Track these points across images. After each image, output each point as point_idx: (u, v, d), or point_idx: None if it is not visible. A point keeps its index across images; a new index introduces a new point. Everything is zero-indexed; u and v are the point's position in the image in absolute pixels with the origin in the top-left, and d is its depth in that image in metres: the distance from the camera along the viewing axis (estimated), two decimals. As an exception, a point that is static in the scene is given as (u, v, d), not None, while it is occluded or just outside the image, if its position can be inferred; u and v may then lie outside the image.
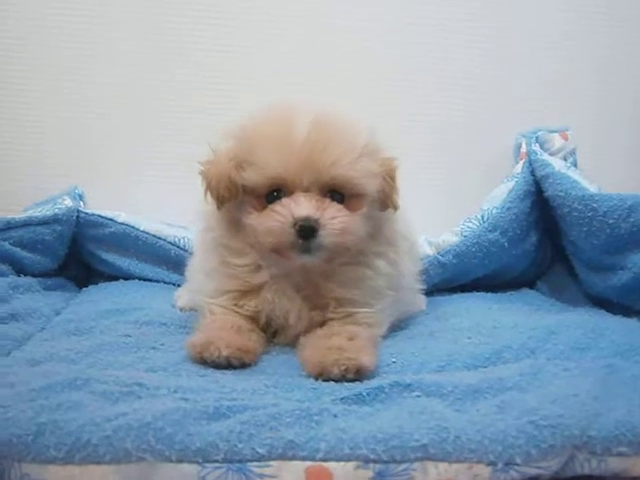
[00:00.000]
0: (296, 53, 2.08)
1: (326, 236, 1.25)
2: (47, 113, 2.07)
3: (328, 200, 1.28)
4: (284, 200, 1.27)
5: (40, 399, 0.99)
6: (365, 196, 1.31)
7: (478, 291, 1.85)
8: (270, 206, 1.27)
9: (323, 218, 1.24)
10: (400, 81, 2.10)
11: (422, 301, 1.66)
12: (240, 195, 1.31)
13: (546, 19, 2.10)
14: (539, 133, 1.96)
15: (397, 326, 1.47)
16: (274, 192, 1.28)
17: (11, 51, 2.04)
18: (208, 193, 1.34)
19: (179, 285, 1.79)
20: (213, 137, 1.35)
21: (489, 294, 1.83)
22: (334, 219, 1.25)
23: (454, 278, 1.86)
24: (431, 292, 1.73)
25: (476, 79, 2.10)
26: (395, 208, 1.38)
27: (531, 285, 1.96)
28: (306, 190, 1.27)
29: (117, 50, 2.06)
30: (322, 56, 2.08)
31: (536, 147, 1.91)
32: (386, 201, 1.36)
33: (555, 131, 1.97)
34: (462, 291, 1.86)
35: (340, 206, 1.28)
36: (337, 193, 1.29)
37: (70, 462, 0.89)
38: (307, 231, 1.24)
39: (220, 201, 1.33)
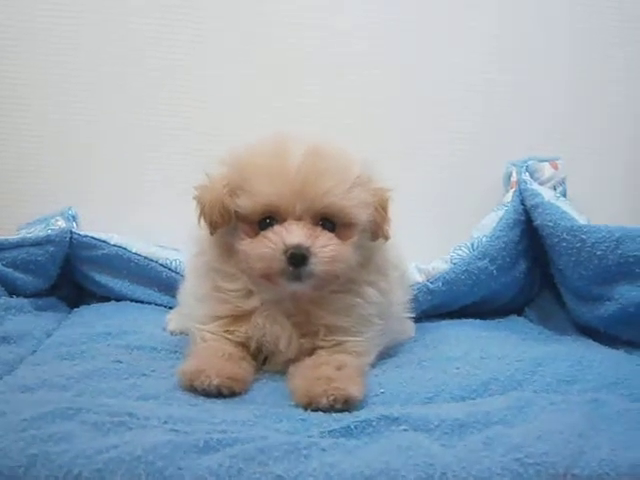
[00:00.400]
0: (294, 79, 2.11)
1: (316, 264, 1.26)
2: (43, 134, 2.08)
3: (319, 229, 1.30)
4: (276, 227, 1.29)
5: (31, 429, 1.00)
6: (356, 225, 1.33)
7: (466, 317, 1.87)
8: (262, 233, 1.29)
9: (314, 246, 1.26)
10: (392, 109, 2.11)
11: (411, 328, 1.67)
12: (233, 221, 1.33)
13: (535, 46, 2.13)
14: (529, 162, 1.98)
15: (386, 353, 1.48)
16: (267, 219, 1.30)
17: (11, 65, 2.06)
18: (202, 218, 1.36)
19: (170, 307, 1.80)
20: (208, 163, 1.37)
21: (477, 321, 1.84)
22: (325, 247, 1.27)
23: (443, 305, 1.88)
24: (419, 318, 1.73)
25: (466, 108, 2.12)
26: (386, 238, 1.40)
27: (519, 312, 1.97)
28: (298, 218, 1.29)
29: (112, 71, 2.08)
30: (313, 80, 2.11)
31: (526, 176, 1.93)
32: (377, 231, 1.38)
33: (545, 160, 2.00)
34: (450, 317, 1.87)
35: (331, 235, 1.30)
36: (329, 222, 1.31)
37: (61, 495, 0.90)
38: (298, 258, 1.26)
39: (213, 226, 1.34)
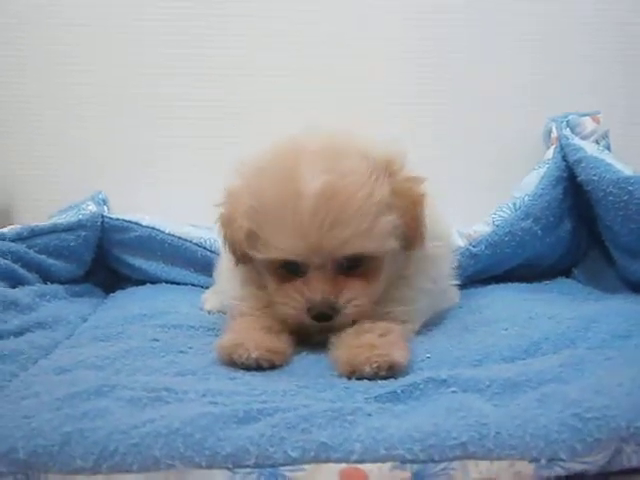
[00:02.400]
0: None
1: (344, 317, 1.22)
2: (68, 119, 2.06)
3: (345, 278, 1.23)
4: (298, 283, 1.23)
5: (65, 408, 0.97)
6: (384, 255, 1.24)
7: (512, 282, 1.80)
8: (285, 286, 1.24)
9: (339, 302, 1.21)
10: (429, 66, 2.05)
11: (456, 294, 1.61)
12: (255, 261, 1.28)
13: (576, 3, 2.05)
14: (570, 117, 1.91)
15: (430, 321, 1.43)
16: (288, 264, 1.24)
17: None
18: (225, 245, 1.32)
19: (207, 287, 1.77)
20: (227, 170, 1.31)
21: (523, 284, 1.78)
22: (351, 301, 1.22)
23: (487, 269, 1.81)
24: (464, 284, 1.67)
25: (505, 64, 2.05)
26: (421, 247, 1.30)
27: (567, 274, 1.91)
28: (320, 266, 1.21)
29: (146, 52, 2.05)
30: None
31: (567, 131, 1.86)
32: (411, 244, 1.28)
33: (586, 115, 1.92)
34: (495, 282, 1.81)
35: (357, 282, 1.23)
36: (353, 260, 1.23)
37: (97, 472, 0.86)
38: (322, 317, 1.22)
39: (236, 261, 1.32)
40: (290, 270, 1.24)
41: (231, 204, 1.29)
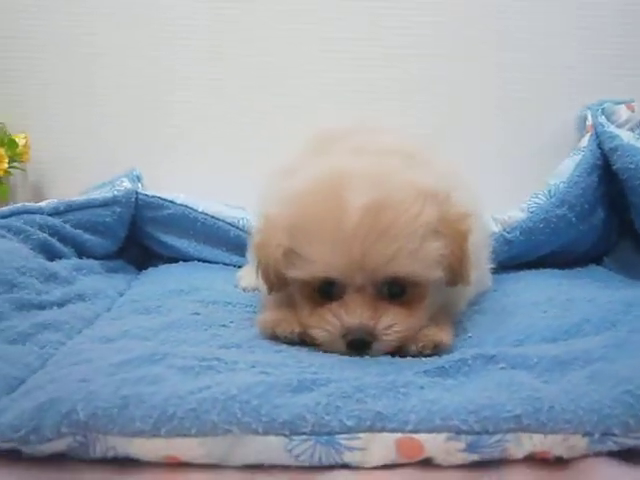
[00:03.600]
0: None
1: (381, 347, 1.13)
2: (103, 96, 2.08)
3: (384, 302, 1.14)
4: (334, 306, 1.14)
5: (120, 373, 0.98)
6: (429, 283, 1.17)
7: (544, 268, 1.80)
8: (320, 310, 1.16)
9: (377, 328, 1.12)
10: (462, 53, 2.05)
11: (489, 279, 1.60)
12: (290, 284, 1.21)
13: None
14: (604, 105, 1.91)
15: (467, 304, 1.43)
16: (325, 285, 1.17)
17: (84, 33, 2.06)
18: (259, 273, 1.25)
19: (239, 266, 1.78)
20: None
21: (556, 270, 1.77)
22: (390, 328, 1.13)
23: (520, 255, 1.81)
24: (497, 270, 1.67)
25: (539, 52, 2.05)
26: (467, 284, 1.22)
27: (598, 262, 1.90)
28: (359, 288, 1.13)
29: (177, 37, 2.06)
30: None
31: (602, 119, 1.86)
32: (455, 278, 1.19)
33: (621, 103, 1.92)
34: (527, 268, 1.80)
35: (397, 309, 1.14)
36: (396, 285, 1.15)
37: (156, 435, 0.87)
38: (359, 345, 1.12)
39: (270, 287, 1.24)
40: (326, 294, 1.17)
41: (267, 228, 1.22)
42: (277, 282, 1.22)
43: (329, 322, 1.14)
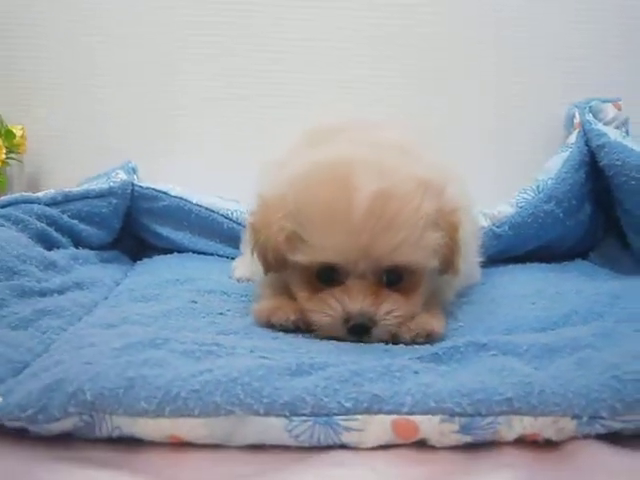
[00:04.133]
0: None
1: (380, 333, 1.17)
2: (100, 87, 2.11)
3: (384, 288, 1.18)
4: (336, 291, 1.17)
5: (124, 356, 1.00)
6: (425, 272, 1.21)
7: (532, 262, 1.84)
8: (321, 294, 1.19)
9: (378, 314, 1.16)
10: (451, 50, 2.09)
11: (478, 272, 1.62)
12: (289, 267, 1.22)
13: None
14: (592, 103, 1.94)
15: (457, 295, 1.46)
16: (326, 271, 1.19)
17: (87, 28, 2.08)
18: (255, 251, 1.26)
19: (233, 258, 1.80)
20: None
21: (544, 264, 1.81)
22: (389, 314, 1.17)
23: (509, 249, 1.85)
24: (485, 264, 1.71)
25: (526, 49, 2.08)
26: (456, 273, 1.27)
27: (583, 256, 1.94)
28: (361, 275, 1.16)
29: (177, 32, 2.09)
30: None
31: (590, 117, 1.89)
32: (447, 267, 1.24)
33: (608, 101, 1.96)
34: (515, 263, 1.84)
35: (396, 295, 1.18)
36: (394, 273, 1.19)
37: (160, 415, 0.89)
38: (360, 329, 1.16)
39: (267, 268, 1.26)
40: (326, 279, 1.19)
41: (266, 210, 1.23)
42: (275, 264, 1.23)
43: (331, 307, 1.17)
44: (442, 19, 2.08)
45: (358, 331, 1.16)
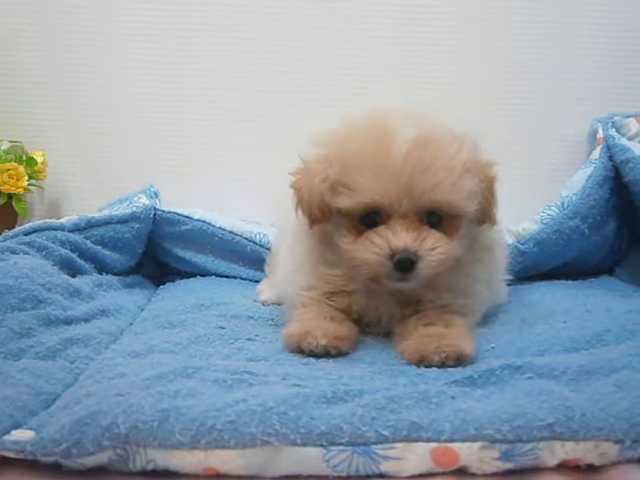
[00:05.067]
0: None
1: (424, 268, 1.20)
2: (118, 112, 2.11)
3: (426, 227, 1.22)
4: (381, 229, 1.21)
5: (156, 387, 0.99)
6: (464, 216, 1.25)
7: (557, 279, 1.82)
8: (365, 234, 1.22)
9: (422, 249, 1.19)
10: (473, 66, 2.09)
11: (505, 291, 1.61)
12: (333, 216, 1.26)
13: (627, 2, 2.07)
14: (615, 118, 1.93)
15: (486, 315, 1.45)
16: (370, 214, 1.23)
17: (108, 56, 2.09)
18: (299, 209, 1.30)
19: (256, 281, 1.80)
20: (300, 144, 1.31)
21: (570, 281, 1.80)
22: (433, 250, 1.20)
23: (534, 267, 1.83)
24: (510, 281, 1.69)
25: (548, 64, 2.08)
26: (494, 223, 1.33)
27: (609, 273, 1.93)
28: (403, 215, 1.20)
29: (193, 50, 2.09)
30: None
31: (613, 132, 1.88)
32: (484, 217, 1.30)
33: (631, 116, 1.94)
34: (540, 280, 1.82)
35: (438, 234, 1.22)
36: (435, 215, 1.23)
37: (196, 447, 0.88)
38: (405, 264, 1.19)
39: (312, 221, 1.29)
40: (370, 223, 1.23)
41: (307, 168, 1.29)
42: (320, 215, 1.26)
43: (376, 244, 1.20)
44: (461, 34, 2.08)
45: (404, 266, 1.19)
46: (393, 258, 1.19)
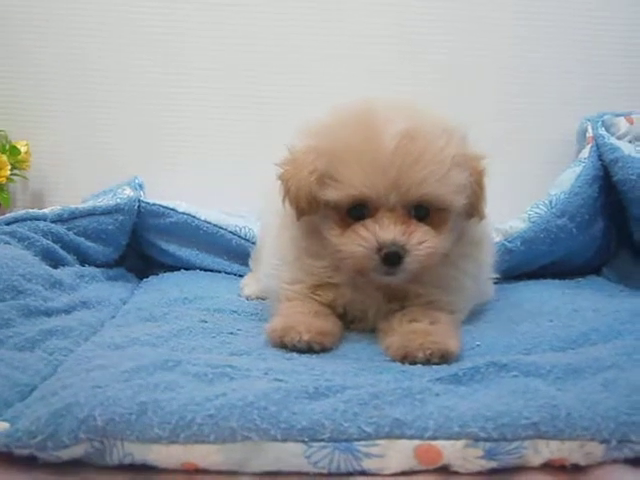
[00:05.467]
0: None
1: (412, 262, 1.19)
2: (105, 105, 2.09)
3: (414, 221, 1.21)
4: (368, 222, 1.21)
5: (135, 379, 0.98)
6: (452, 210, 1.24)
7: (544, 278, 1.81)
8: (353, 227, 1.22)
9: (409, 243, 1.19)
10: (464, 65, 2.08)
11: (492, 289, 1.59)
12: (321, 209, 1.26)
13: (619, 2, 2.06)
14: (604, 117, 1.92)
15: (473, 313, 1.43)
16: (357, 207, 1.23)
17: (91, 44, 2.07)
18: (286, 200, 1.29)
19: (241, 275, 1.79)
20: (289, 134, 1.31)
21: (557, 281, 1.79)
22: (421, 244, 1.20)
23: (521, 265, 1.82)
24: (498, 280, 1.68)
25: (539, 64, 2.07)
26: (481, 218, 1.32)
27: (597, 272, 1.92)
28: (391, 208, 1.20)
29: (182, 42, 2.08)
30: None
31: (603, 131, 1.87)
32: (472, 211, 1.29)
33: (620, 115, 1.94)
34: (528, 279, 1.81)
35: (426, 228, 1.21)
36: (422, 208, 1.22)
37: (174, 441, 0.87)
38: (392, 258, 1.18)
39: (300, 213, 1.28)
40: (357, 216, 1.22)
41: (296, 159, 1.28)
42: (307, 207, 1.26)
43: (364, 238, 1.19)
44: (455, 33, 2.07)
45: (391, 260, 1.18)
46: (380, 252, 1.18)
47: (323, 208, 1.25)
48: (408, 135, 1.18)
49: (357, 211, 1.22)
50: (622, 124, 1.92)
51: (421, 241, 1.20)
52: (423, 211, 1.22)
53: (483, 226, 1.40)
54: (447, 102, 1.98)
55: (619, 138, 1.88)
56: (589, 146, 1.88)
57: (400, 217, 1.20)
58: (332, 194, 1.21)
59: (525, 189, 1.97)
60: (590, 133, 1.90)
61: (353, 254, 1.20)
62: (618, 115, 1.94)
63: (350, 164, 1.20)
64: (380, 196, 1.19)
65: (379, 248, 1.18)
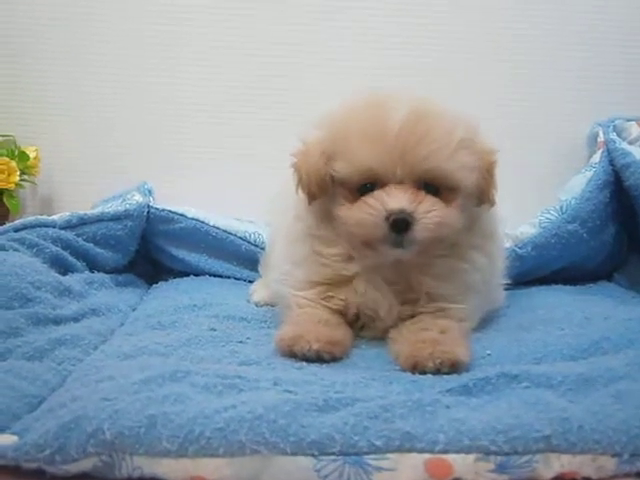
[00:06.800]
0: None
1: (420, 230, 1.20)
2: (114, 110, 2.09)
3: (422, 193, 1.22)
4: (377, 192, 1.22)
5: (144, 391, 0.97)
6: (460, 189, 1.25)
7: (555, 284, 1.80)
8: (362, 198, 1.23)
9: (417, 211, 1.20)
10: (473, 69, 2.07)
11: (502, 296, 1.58)
12: (331, 190, 1.28)
13: (628, 5, 2.05)
14: (616, 122, 1.91)
15: (482, 319, 1.42)
16: (366, 184, 1.24)
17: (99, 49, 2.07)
18: (299, 187, 1.31)
19: (250, 281, 1.78)
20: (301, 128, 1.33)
21: (568, 287, 1.78)
22: (429, 212, 1.20)
23: (532, 271, 1.81)
24: (508, 285, 1.67)
25: (548, 67, 2.06)
26: (492, 204, 1.33)
27: (608, 278, 1.90)
28: (400, 182, 1.22)
29: (189, 46, 2.07)
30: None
31: (614, 136, 1.86)
32: (483, 197, 1.31)
33: (632, 120, 1.92)
34: (539, 284, 1.80)
35: (435, 199, 1.23)
36: (431, 186, 1.23)
37: (183, 455, 0.86)
38: (401, 225, 1.19)
39: (311, 197, 1.30)
40: (367, 191, 1.24)
41: (307, 149, 1.30)
42: (318, 190, 1.28)
43: (372, 206, 1.21)
44: (460, 36, 2.06)
45: (399, 226, 1.19)
46: (389, 219, 1.20)
47: (333, 188, 1.28)
48: (416, 114, 1.21)
49: (366, 188, 1.24)
50: (633, 129, 1.91)
51: (429, 210, 1.21)
52: (432, 189, 1.23)
53: (495, 221, 1.41)
54: (453, 107, 1.99)
55: (630, 143, 1.87)
56: (600, 151, 1.87)
57: (409, 189, 1.22)
58: (341, 169, 1.24)
59: (536, 194, 1.96)
60: (601, 138, 1.89)
61: (361, 221, 1.22)
62: (629, 120, 1.92)
63: (359, 140, 1.22)
64: (387, 170, 1.21)
65: (387, 216, 1.20)
